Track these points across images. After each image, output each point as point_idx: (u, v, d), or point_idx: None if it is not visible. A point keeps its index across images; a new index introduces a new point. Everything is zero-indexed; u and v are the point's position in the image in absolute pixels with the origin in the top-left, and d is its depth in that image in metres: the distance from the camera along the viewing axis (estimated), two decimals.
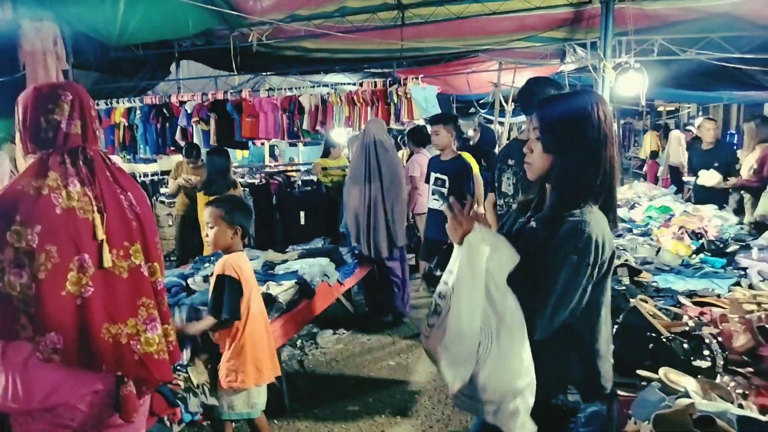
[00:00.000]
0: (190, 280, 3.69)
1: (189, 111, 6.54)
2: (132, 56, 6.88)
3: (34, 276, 1.40)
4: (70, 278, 1.45)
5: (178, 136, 6.60)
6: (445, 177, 4.53)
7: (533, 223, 1.65)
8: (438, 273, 3.81)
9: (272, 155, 10.80)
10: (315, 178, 6.70)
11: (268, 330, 2.78)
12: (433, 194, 4.55)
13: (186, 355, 2.50)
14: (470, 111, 12.24)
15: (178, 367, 2.40)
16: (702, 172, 5.64)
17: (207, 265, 4.05)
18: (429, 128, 5.26)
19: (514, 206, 1.89)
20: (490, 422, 1.56)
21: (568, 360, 1.61)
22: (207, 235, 2.61)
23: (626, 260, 3.51)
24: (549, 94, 2.66)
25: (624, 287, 3.07)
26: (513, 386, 1.49)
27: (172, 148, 6.82)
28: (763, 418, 1.35)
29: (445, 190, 4.46)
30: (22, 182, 1.44)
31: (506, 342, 1.48)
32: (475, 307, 1.49)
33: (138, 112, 6.75)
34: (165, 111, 6.70)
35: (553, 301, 1.50)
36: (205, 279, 3.68)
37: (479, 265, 1.49)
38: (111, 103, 6.88)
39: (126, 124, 6.83)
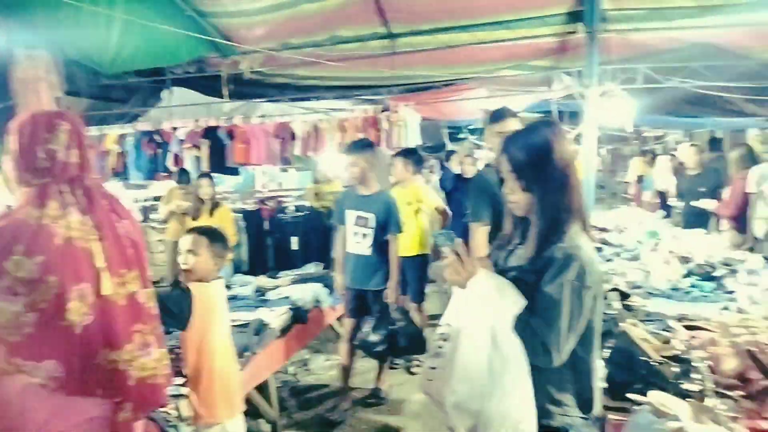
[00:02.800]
0: None
1: (181, 137, 6.58)
2: (124, 83, 6.92)
3: (33, 306, 1.40)
4: (70, 308, 1.45)
5: (169, 162, 6.63)
6: (368, 215, 3.89)
7: (522, 254, 1.69)
8: (375, 338, 3.78)
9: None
10: (307, 203, 6.73)
11: (235, 359, 2.72)
12: (354, 236, 3.93)
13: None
14: (460, 136, 12.40)
15: (170, 397, 2.37)
16: (693, 203, 5.78)
17: None
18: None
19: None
20: None
21: (565, 380, 1.65)
22: (185, 263, 2.55)
23: (616, 284, 3.55)
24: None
25: (615, 311, 3.10)
26: (516, 426, 1.50)
27: (163, 174, 6.84)
28: None
29: (370, 231, 3.86)
30: (22, 212, 1.45)
31: (510, 383, 1.51)
32: (480, 350, 1.52)
33: (130, 138, 6.78)
34: (157, 137, 6.74)
35: (565, 329, 1.55)
36: None
37: (484, 309, 1.52)
38: (102, 130, 6.90)
39: (118, 150, 6.85)
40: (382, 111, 6.35)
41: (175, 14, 5.47)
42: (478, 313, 1.50)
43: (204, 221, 5.15)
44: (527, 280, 1.56)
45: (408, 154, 4.79)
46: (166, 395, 1.65)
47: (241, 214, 6.57)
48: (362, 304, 3.91)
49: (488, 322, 1.49)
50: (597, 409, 1.71)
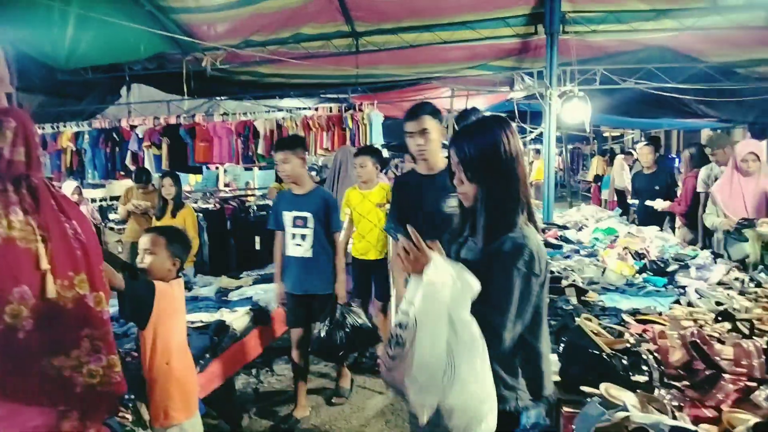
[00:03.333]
0: None
1: (140, 135, 6.44)
2: (80, 79, 6.74)
3: None
4: (8, 311, 1.41)
5: (128, 160, 6.49)
6: (306, 215, 3.67)
7: (472, 245, 1.73)
8: (330, 342, 3.76)
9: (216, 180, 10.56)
10: (271, 203, 6.67)
11: (191, 360, 2.68)
12: (293, 238, 3.67)
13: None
14: None
15: (126, 401, 2.32)
16: (648, 203, 5.95)
17: None
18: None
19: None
20: None
21: (517, 365, 1.71)
22: (142, 262, 2.51)
23: (574, 280, 3.64)
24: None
25: (571, 307, 3.17)
26: (478, 411, 1.54)
27: (121, 173, 6.69)
28: (692, 427, 1.43)
29: (309, 231, 3.65)
30: None
31: (469, 368, 1.53)
32: (439, 336, 1.54)
33: (86, 136, 6.60)
34: (115, 135, 6.58)
35: (513, 314, 1.62)
36: None
37: (441, 295, 1.53)
38: (58, 127, 6.71)
39: (74, 148, 6.66)
40: (347, 109, 6.36)
41: (134, 10, 5.35)
42: (434, 300, 1.53)
43: (167, 221, 5.05)
44: (478, 270, 1.60)
45: (372, 153, 4.57)
46: (116, 404, 1.60)
47: (202, 214, 6.47)
48: (308, 311, 3.71)
49: (445, 308, 1.52)
50: (548, 391, 1.77)
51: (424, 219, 2.73)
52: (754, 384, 1.91)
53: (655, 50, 5.92)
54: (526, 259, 1.62)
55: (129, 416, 2.31)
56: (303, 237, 3.64)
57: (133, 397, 2.36)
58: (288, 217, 3.67)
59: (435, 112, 2.94)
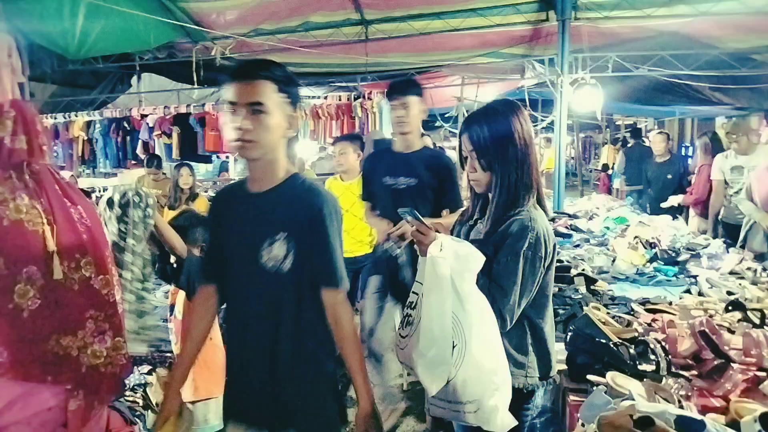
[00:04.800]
0: (150, 296, 3.64)
1: (151, 124, 6.48)
2: (91, 69, 6.77)
3: None
4: (17, 291, 1.43)
5: (139, 149, 6.53)
6: None
7: (481, 228, 1.74)
8: None
9: (224, 169, 10.56)
10: None
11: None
12: None
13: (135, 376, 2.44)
14: (436, 125, 12.42)
15: (136, 386, 2.36)
16: (663, 205, 5.89)
17: None
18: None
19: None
20: (472, 423, 1.61)
21: (526, 343, 1.73)
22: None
23: (583, 270, 3.62)
24: None
25: (580, 296, 3.16)
26: (491, 383, 1.56)
27: (133, 161, 6.74)
28: (698, 417, 1.42)
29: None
30: None
31: (479, 341, 1.56)
32: (445, 311, 1.56)
33: (98, 125, 6.65)
34: (126, 124, 6.63)
35: (517, 294, 1.64)
36: (166, 295, 3.63)
37: (442, 270, 1.55)
38: (69, 117, 6.75)
39: (85, 137, 6.71)
40: (356, 98, 6.34)
41: None
42: (436, 274, 1.54)
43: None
44: (486, 252, 1.61)
45: (353, 139, 4.19)
46: (119, 385, 1.64)
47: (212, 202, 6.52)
48: None
49: (448, 282, 1.54)
50: (554, 372, 1.79)
51: (392, 195, 2.91)
52: (764, 374, 1.89)
53: (668, 36, 5.82)
54: (532, 242, 1.64)
55: (140, 400, 2.35)
56: None
57: (143, 382, 2.40)
58: None
59: (417, 88, 3.00)
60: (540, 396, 1.75)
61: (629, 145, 8.99)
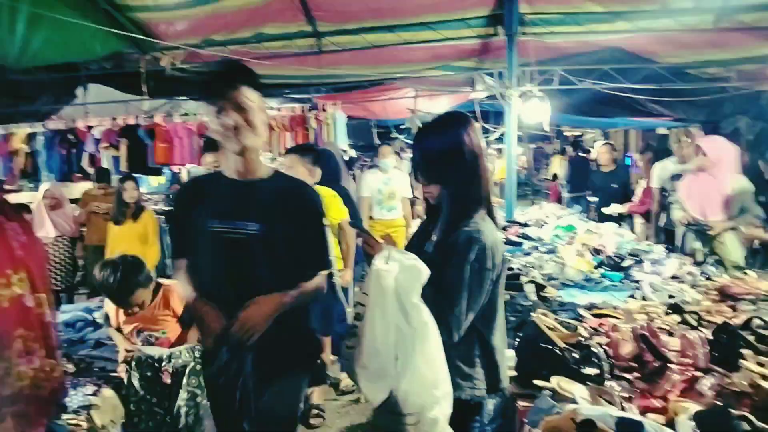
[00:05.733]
0: (96, 314, 3.52)
1: (97, 136, 6.28)
2: (34, 79, 6.52)
3: None
4: None
5: (85, 162, 6.31)
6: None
7: (433, 238, 1.76)
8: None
9: (176, 181, 10.27)
10: None
11: None
12: None
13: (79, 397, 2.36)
14: (391, 136, 12.54)
15: (79, 408, 2.27)
16: (605, 210, 6.10)
17: None
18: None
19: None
20: None
21: (473, 355, 1.74)
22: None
23: (533, 277, 3.71)
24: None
25: (530, 303, 3.25)
26: (431, 396, 1.57)
27: (79, 175, 6.51)
28: (637, 418, 1.48)
29: None
30: None
31: (422, 354, 1.57)
32: (388, 324, 1.57)
33: (40, 137, 6.40)
34: (71, 136, 6.40)
35: (464, 306, 1.64)
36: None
37: (387, 283, 1.56)
38: (9, 128, 6.48)
39: (27, 150, 6.44)
40: (310, 109, 6.33)
41: (89, 8, 5.20)
42: (380, 287, 1.56)
43: (128, 226, 4.97)
44: (435, 264, 1.63)
45: (305, 152, 3.86)
46: (50, 408, 1.56)
47: (164, 216, 6.34)
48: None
49: (392, 295, 1.55)
50: (504, 384, 1.80)
51: (223, 251, 1.93)
52: (700, 374, 1.99)
53: (610, 51, 6.08)
54: (479, 253, 1.65)
55: (83, 424, 2.26)
56: None
57: (88, 404, 2.31)
58: None
59: (250, 77, 2.43)
60: (491, 410, 1.76)
61: (571, 156, 9.53)
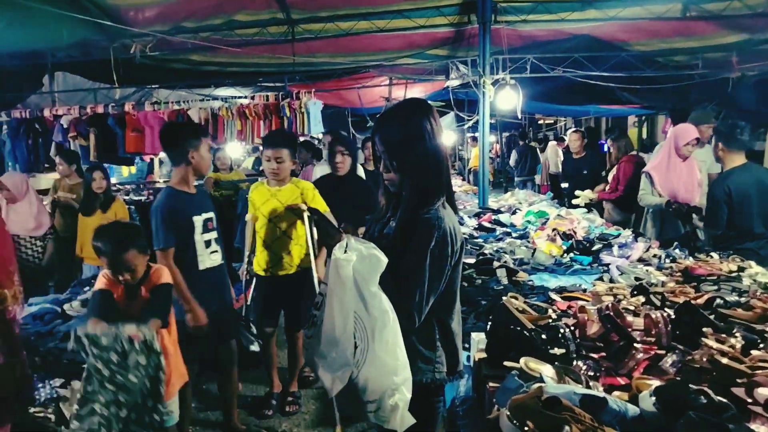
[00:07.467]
0: (66, 306, 3.47)
1: (65, 125, 6.14)
2: None
3: None
4: None
5: (53, 152, 6.17)
6: (212, 215, 3.18)
7: (392, 225, 1.77)
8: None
9: (150, 171, 10.16)
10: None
11: None
12: (208, 246, 3.13)
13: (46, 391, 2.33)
14: (367, 125, 12.51)
15: (47, 400, 2.24)
16: (578, 193, 6.18)
17: (87, 288, 3.83)
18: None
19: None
20: (372, 421, 1.64)
21: (434, 339, 1.78)
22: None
23: (505, 262, 3.77)
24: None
25: (502, 287, 3.30)
26: (391, 383, 1.59)
27: (46, 165, 6.37)
28: (601, 395, 1.53)
29: (216, 234, 3.17)
30: None
31: (381, 342, 1.58)
32: (346, 313, 1.58)
33: (5, 126, 6.24)
34: (37, 126, 6.25)
35: (424, 290, 1.66)
36: (83, 304, 3.47)
37: (345, 272, 1.57)
38: None
39: None
40: (284, 98, 6.28)
41: None
42: (338, 276, 1.56)
43: (98, 216, 4.86)
44: (394, 251, 1.65)
45: (289, 143, 3.60)
46: (10, 407, 1.54)
47: (134, 206, 6.25)
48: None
49: (350, 284, 1.56)
50: (461, 366, 1.87)
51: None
52: (663, 352, 2.06)
53: (581, 39, 6.16)
54: (439, 240, 1.66)
55: (52, 416, 2.23)
56: (216, 241, 3.19)
57: (56, 396, 2.29)
58: (198, 222, 3.12)
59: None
60: (462, 389, 1.80)
61: (518, 145, 11.83)
